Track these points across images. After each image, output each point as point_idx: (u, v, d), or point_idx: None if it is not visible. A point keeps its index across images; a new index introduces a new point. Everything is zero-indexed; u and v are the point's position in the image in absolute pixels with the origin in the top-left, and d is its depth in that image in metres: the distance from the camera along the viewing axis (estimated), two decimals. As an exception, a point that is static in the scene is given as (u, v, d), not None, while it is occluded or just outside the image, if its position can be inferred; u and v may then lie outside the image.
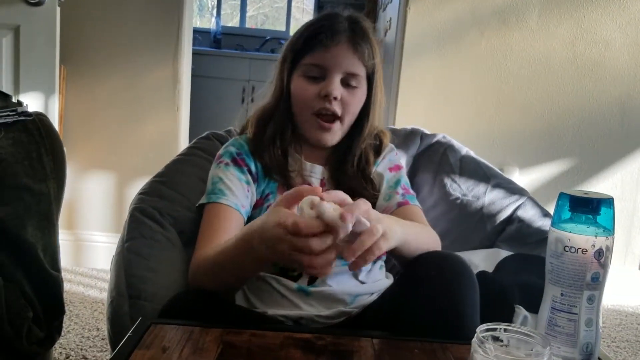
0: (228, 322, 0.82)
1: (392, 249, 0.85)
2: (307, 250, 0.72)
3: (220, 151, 1.14)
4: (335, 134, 1.09)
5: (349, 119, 1.09)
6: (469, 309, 0.84)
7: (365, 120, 1.12)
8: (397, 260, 1.00)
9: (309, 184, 1.10)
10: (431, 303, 0.83)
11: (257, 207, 1.09)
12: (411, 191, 1.15)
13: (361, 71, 1.08)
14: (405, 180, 1.16)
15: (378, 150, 1.17)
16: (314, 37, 1.06)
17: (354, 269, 0.78)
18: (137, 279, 1.05)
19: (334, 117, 1.07)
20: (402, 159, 1.39)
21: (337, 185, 1.11)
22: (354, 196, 0.87)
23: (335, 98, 1.05)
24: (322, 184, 1.12)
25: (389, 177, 1.14)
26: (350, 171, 1.11)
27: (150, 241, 1.13)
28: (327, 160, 1.14)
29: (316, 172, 1.12)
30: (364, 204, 0.77)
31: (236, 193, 1.06)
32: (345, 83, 1.07)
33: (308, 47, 1.06)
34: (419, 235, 0.96)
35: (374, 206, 1.08)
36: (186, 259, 1.08)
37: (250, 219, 1.08)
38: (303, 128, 1.11)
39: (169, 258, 1.10)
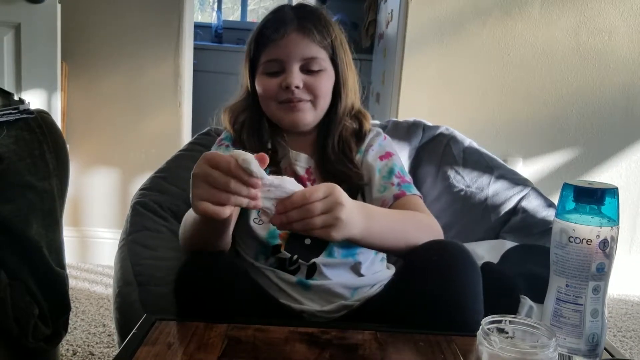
0: (243, 292, 0.86)
1: (352, 239, 0.84)
2: (222, 185, 0.73)
3: (222, 136, 1.16)
4: (306, 113, 1.07)
5: (321, 101, 1.08)
6: (470, 298, 0.84)
7: (338, 100, 1.11)
8: (385, 252, 0.99)
9: (295, 173, 1.10)
10: (431, 293, 0.82)
11: None
12: (407, 178, 1.10)
13: (320, 53, 1.07)
14: (399, 167, 1.11)
15: (359, 133, 1.15)
16: (261, 34, 1.07)
17: (276, 223, 0.78)
18: (145, 268, 1.06)
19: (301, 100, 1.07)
20: (403, 147, 1.38)
21: (324, 174, 1.09)
22: (340, 181, 0.87)
23: (297, 87, 1.04)
24: (308, 173, 1.10)
25: (381, 166, 1.10)
26: (333, 155, 1.10)
27: (155, 233, 1.14)
28: (312, 148, 1.13)
29: (301, 160, 1.11)
30: (325, 187, 0.78)
31: None
32: (307, 69, 1.06)
33: (260, 45, 1.07)
34: (398, 227, 0.93)
35: (370, 196, 1.07)
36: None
37: None
38: (276, 120, 1.10)
39: (177, 248, 1.10)
